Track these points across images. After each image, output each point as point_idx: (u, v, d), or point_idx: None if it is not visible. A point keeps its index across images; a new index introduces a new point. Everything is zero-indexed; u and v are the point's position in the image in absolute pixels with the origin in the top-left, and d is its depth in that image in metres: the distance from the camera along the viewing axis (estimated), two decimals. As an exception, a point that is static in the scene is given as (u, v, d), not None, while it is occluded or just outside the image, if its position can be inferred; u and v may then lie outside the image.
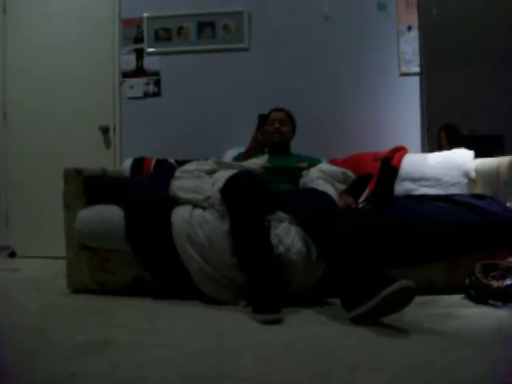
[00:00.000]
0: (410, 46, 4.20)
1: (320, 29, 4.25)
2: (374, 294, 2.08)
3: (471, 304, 2.48)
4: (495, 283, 2.48)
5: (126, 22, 4.44)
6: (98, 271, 2.95)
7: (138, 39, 4.43)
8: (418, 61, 4.18)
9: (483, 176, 3.24)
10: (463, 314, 2.30)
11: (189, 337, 2.05)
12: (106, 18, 4.48)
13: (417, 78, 4.19)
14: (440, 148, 4.91)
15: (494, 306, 2.41)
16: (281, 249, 2.56)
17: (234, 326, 2.21)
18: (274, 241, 2.58)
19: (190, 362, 1.75)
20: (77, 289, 2.99)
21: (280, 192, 2.91)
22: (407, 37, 4.20)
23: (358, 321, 2.15)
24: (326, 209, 2.64)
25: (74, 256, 2.99)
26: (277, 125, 3.52)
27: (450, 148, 3.80)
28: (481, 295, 2.48)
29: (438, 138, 5.47)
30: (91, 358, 1.79)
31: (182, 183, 2.96)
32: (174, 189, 2.92)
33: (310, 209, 2.65)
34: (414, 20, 4.21)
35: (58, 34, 4.57)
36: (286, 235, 2.61)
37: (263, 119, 3.40)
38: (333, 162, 3.74)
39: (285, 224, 2.68)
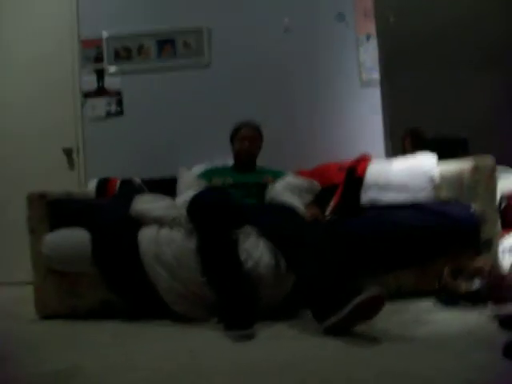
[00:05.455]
0: (369, 55, 4.23)
1: (280, 41, 4.26)
2: (344, 304, 2.08)
3: (441, 308, 2.52)
4: (464, 286, 2.50)
5: (85, 43, 4.40)
6: (67, 295, 2.91)
7: (98, 59, 4.39)
8: (378, 68, 4.22)
9: (448, 180, 3.27)
10: (434, 318, 2.33)
11: (160, 357, 2.02)
12: (65, 39, 4.42)
13: (378, 86, 4.22)
14: (405, 153, 4.96)
15: (463, 308, 2.44)
16: (250, 263, 2.56)
17: (206, 343, 2.20)
18: (243, 256, 2.58)
19: (162, 383, 1.73)
20: (46, 314, 2.94)
21: (247, 206, 2.91)
22: (366, 46, 4.23)
23: (330, 332, 2.15)
24: (294, 222, 2.64)
25: (41, 281, 2.94)
26: (246, 144, 3.51)
27: (414, 152, 3.83)
28: (451, 298, 2.52)
29: (403, 142, 5.52)
30: (60, 385, 1.76)
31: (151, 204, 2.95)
32: (146, 209, 2.90)
33: (278, 222, 2.65)
34: (372, 29, 4.25)
35: (18, 56, 4.51)
36: (255, 249, 2.61)
37: None
38: (300, 173, 3.73)
39: (252, 238, 2.67)
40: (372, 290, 2.07)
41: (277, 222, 2.66)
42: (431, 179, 3.40)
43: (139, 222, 2.85)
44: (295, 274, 2.50)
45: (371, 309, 2.11)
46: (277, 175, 3.45)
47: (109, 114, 4.37)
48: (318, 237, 2.54)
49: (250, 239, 2.68)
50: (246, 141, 3.51)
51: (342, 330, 2.14)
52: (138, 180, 3.84)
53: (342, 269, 2.34)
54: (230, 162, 3.69)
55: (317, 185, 3.39)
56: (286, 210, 2.77)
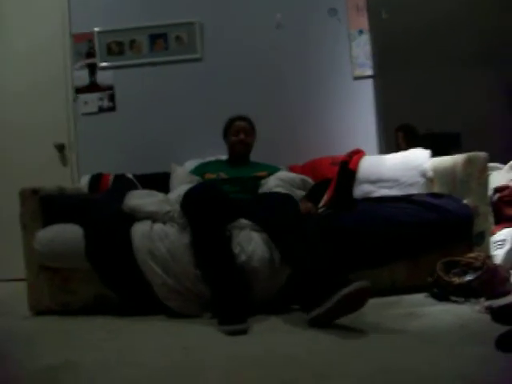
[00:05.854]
0: (362, 50, 4.23)
1: (272, 36, 4.25)
2: (330, 296, 2.10)
3: (434, 302, 2.52)
4: (457, 280, 2.51)
5: (76, 38, 4.38)
6: (60, 292, 2.90)
7: (90, 54, 4.37)
8: (370, 64, 4.22)
9: (440, 175, 3.28)
10: (426, 312, 2.33)
11: (154, 353, 2.02)
12: (57, 34, 4.41)
13: (370, 81, 4.23)
14: (398, 148, 4.97)
15: (456, 302, 2.45)
16: (243, 257, 2.57)
17: (200, 339, 2.20)
18: (236, 250, 2.58)
19: (155, 379, 1.73)
20: (39, 311, 2.93)
21: (239, 200, 2.92)
22: (359, 40, 4.24)
23: (315, 323, 2.18)
24: (289, 212, 2.65)
25: (34, 277, 2.93)
26: (242, 136, 3.51)
27: (407, 148, 3.84)
28: (443, 292, 2.52)
29: (396, 138, 5.53)
30: (54, 381, 1.75)
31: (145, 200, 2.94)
32: (139, 205, 2.89)
33: (270, 211, 2.66)
34: (364, 24, 4.25)
35: (9, 51, 4.48)
36: (247, 243, 2.61)
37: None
38: (291, 168, 3.75)
39: (245, 232, 2.68)
40: (358, 283, 2.08)
41: (269, 211, 2.66)
42: (423, 173, 3.41)
43: (132, 217, 2.84)
44: (290, 266, 2.51)
45: (357, 301, 2.13)
46: (271, 170, 3.45)
47: (101, 110, 4.36)
48: (310, 228, 2.55)
49: (243, 233, 2.68)
50: (241, 132, 3.52)
51: (327, 322, 2.17)
52: (130, 175, 3.84)
53: (331, 262, 2.35)
54: (223, 157, 3.70)
55: (309, 180, 3.40)
56: (279, 199, 2.77)
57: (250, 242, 2.62)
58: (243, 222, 2.75)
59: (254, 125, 3.63)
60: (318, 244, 2.45)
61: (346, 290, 2.07)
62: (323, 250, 2.42)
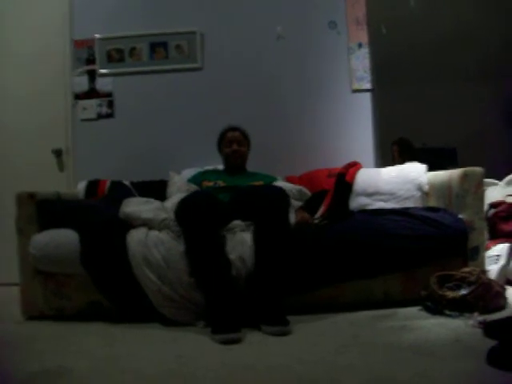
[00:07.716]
0: (361, 63, 4.25)
1: (272, 48, 4.28)
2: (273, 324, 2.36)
3: (428, 315, 2.51)
4: (450, 294, 2.52)
5: (77, 44, 4.39)
6: (54, 297, 2.88)
7: (90, 60, 4.38)
8: (369, 77, 4.24)
9: (436, 189, 3.30)
10: (420, 325, 2.33)
11: (148, 361, 2.02)
12: (57, 40, 4.41)
13: (368, 94, 4.25)
14: (393, 162, 4.99)
15: (450, 316, 2.44)
16: (238, 263, 2.59)
17: (194, 347, 2.19)
18: (231, 255, 2.60)
19: (148, 386, 1.73)
20: (32, 315, 2.91)
21: (233, 201, 2.97)
22: (358, 54, 4.26)
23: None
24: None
25: (28, 282, 2.92)
26: (235, 146, 3.53)
27: (402, 161, 3.86)
28: (437, 306, 2.52)
29: (391, 151, 5.55)
30: (47, 387, 1.75)
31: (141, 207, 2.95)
32: (135, 211, 2.90)
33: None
34: (364, 37, 4.28)
35: (9, 56, 4.48)
36: (241, 247, 2.64)
37: None
38: (288, 179, 3.76)
39: (237, 235, 2.72)
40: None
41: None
42: (420, 187, 3.43)
43: (128, 224, 2.85)
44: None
45: None
46: (268, 180, 3.46)
47: (100, 116, 4.36)
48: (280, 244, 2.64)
49: (236, 236, 2.72)
50: (234, 143, 3.53)
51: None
52: (127, 182, 3.84)
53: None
54: (221, 166, 3.71)
55: (306, 191, 3.40)
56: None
57: (243, 246, 2.65)
58: (235, 223, 2.80)
59: (247, 134, 3.64)
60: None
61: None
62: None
